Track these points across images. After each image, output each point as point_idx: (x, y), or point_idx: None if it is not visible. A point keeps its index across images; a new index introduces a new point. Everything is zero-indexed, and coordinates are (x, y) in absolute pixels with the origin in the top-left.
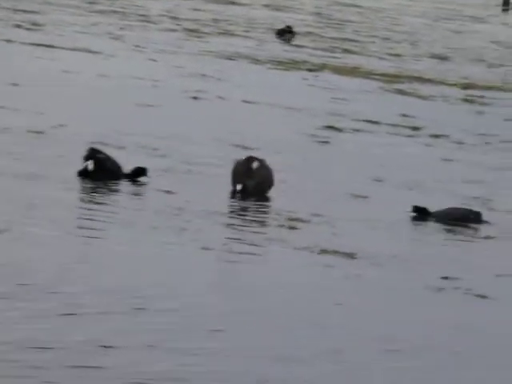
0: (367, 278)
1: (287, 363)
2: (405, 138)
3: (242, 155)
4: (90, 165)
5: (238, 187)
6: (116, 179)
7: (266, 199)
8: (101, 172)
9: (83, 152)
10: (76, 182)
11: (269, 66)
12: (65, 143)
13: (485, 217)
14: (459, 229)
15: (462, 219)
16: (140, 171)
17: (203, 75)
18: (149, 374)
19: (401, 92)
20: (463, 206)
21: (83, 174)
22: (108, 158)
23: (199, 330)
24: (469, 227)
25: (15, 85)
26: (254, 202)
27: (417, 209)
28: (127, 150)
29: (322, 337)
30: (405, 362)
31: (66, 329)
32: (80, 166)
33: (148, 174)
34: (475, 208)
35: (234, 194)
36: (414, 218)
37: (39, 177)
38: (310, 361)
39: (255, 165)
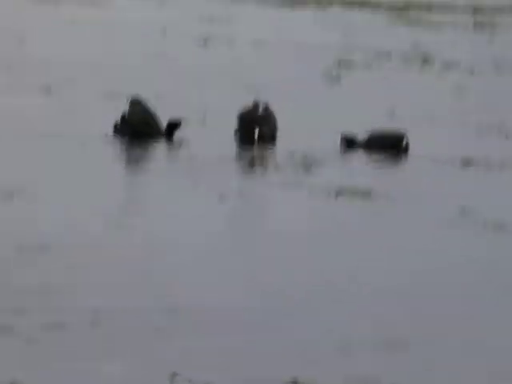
0: (383, 215)
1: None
2: (417, 68)
3: (247, 102)
4: (119, 120)
5: (256, 132)
6: (145, 135)
7: (278, 142)
8: (127, 127)
9: (98, 106)
10: (87, 137)
11: (277, 4)
12: (75, 98)
13: (408, 138)
14: (476, 160)
15: (385, 146)
16: (173, 125)
17: (211, 19)
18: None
19: (410, 22)
20: (387, 128)
21: (114, 129)
22: (136, 113)
23: (214, 272)
24: (395, 152)
25: (22, 42)
26: (266, 146)
27: (346, 138)
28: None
29: (342, 275)
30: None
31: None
32: (93, 120)
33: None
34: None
35: (247, 139)
36: (343, 149)
37: (52, 136)
38: (324, 292)
39: (262, 109)
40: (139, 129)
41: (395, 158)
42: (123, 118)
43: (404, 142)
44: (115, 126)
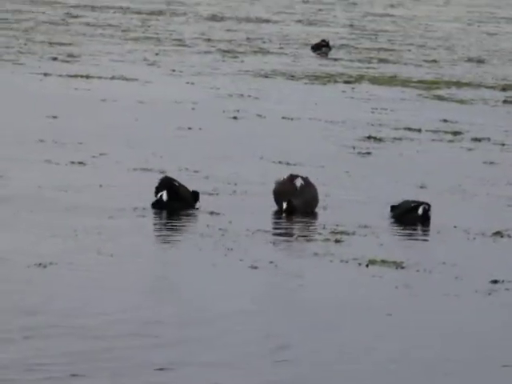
0: (416, 287)
1: (346, 374)
2: (446, 143)
3: (283, 175)
4: (165, 195)
5: (284, 205)
6: (190, 207)
7: (311, 214)
8: (175, 201)
9: (129, 180)
10: (118, 210)
11: (306, 81)
12: (107, 172)
13: (428, 208)
14: (507, 232)
15: (404, 215)
16: (197, 194)
17: (241, 95)
18: None
19: (440, 98)
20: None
21: (157, 204)
22: (181, 187)
23: (257, 349)
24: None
25: (54, 117)
26: (298, 218)
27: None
28: (170, 174)
29: (376, 347)
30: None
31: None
32: (124, 194)
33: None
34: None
35: (280, 212)
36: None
37: (85, 207)
38: (364, 372)
39: (299, 183)
40: (187, 202)
41: (423, 230)
42: (173, 193)
43: (420, 211)
44: (157, 202)
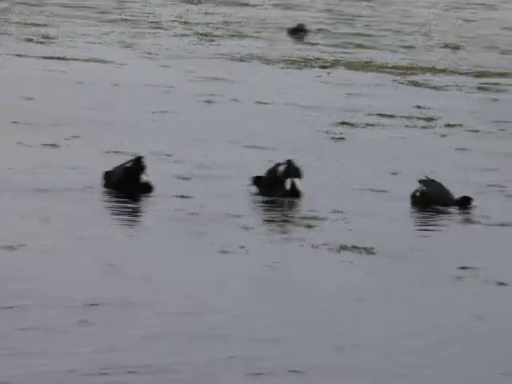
0: (387, 272)
1: (311, 360)
2: (420, 129)
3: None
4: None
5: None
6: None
7: (283, 199)
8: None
9: (102, 162)
10: (89, 193)
11: (281, 65)
12: (80, 155)
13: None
14: (476, 217)
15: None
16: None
17: (216, 78)
18: None
19: (414, 84)
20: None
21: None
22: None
23: (220, 333)
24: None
25: (29, 99)
26: (270, 202)
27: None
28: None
29: (345, 334)
30: (430, 356)
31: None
32: (96, 177)
33: None
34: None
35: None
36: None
37: (56, 190)
38: (331, 356)
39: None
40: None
41: (394, 216)
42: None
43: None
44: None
